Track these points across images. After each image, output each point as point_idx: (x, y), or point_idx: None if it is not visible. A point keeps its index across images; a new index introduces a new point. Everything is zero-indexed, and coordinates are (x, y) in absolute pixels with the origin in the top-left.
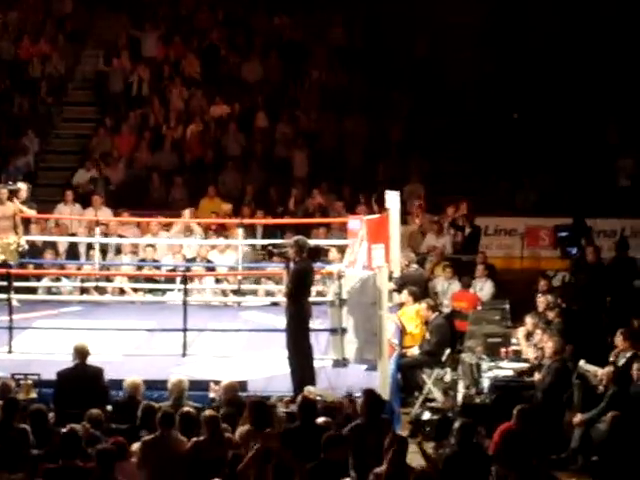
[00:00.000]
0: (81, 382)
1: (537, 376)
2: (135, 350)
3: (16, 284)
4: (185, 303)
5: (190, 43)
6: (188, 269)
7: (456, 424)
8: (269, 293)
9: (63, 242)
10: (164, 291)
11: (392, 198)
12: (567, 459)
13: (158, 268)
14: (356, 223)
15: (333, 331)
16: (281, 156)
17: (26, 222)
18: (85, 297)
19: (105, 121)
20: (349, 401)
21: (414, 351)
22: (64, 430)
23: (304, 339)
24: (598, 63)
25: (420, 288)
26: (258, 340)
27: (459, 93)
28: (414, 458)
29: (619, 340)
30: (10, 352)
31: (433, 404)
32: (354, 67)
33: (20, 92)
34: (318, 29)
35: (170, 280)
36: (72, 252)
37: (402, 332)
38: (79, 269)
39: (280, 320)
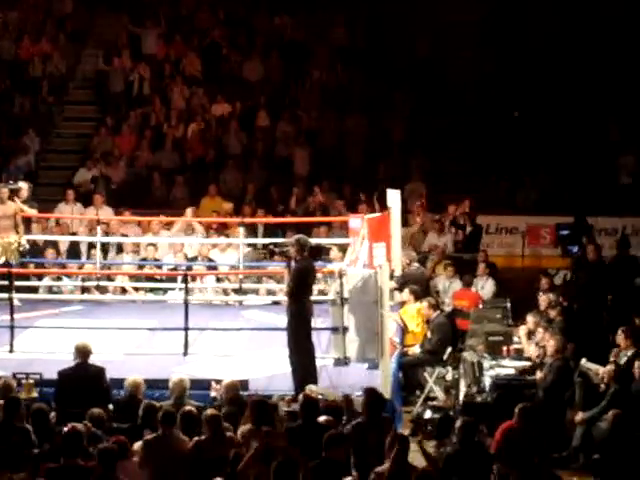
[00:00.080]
0: (82, 381)
1: (539, 374)
2: (136, 349)
3: (17, 283)
4: (186, 302)
5: (191, 42)
6: (189, 268)
7: (458, 423)
8: (270, 292)
9: (64, 241)
10: (165, 290)
11: (393, 197)
12: (568, 457)
13: (159, 267)
14: (357, 222)
15: (334, 330)
16: (282, 155)
17: (27, 221)
18: (86, 296)
19: (106, 120)
20: (346, 401)
21: (415, 350)
22: (65, 429)
23: (305, 338)
24: (598, 61)
25: (421, 287)
26: (259, 339)
27: (460, 92)
28: (415, 457)
29: (621, 338)
30: (11, 351)
31: (434, 403)
32: (355, 66)
33: (21, 92)
34: (320, 29)
35: (171, 279)
36: (73, 251)
37: (403, 331)
38: (80, 268)
39: (281, 319)
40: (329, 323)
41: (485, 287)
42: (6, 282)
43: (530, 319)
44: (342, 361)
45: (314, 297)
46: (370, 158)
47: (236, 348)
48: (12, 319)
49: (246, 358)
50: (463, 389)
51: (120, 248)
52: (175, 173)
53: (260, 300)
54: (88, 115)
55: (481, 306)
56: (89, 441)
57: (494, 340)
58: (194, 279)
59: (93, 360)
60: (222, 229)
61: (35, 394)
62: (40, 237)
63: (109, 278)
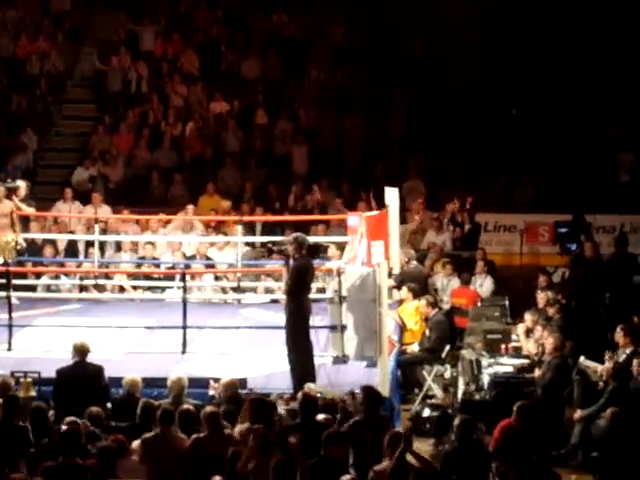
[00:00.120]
0: (81, 380)
1: (537, 372)
2: (135, 348)
3: (15, 282)
4: (184, 300)
5: (189, 40)
6: (187, 266)
7: (456, 421)
8: (269, 290)
9: (62, 240)
10: (163, 289)
11: (391, 195)
12: (567, 455)
13: (157, 266)
14: (355, 220)
15: (333, 328)
16: (280, 153)
17: (25, 220)
18: (84, 295)
19: (104, 119)
20: (352, 398)
21: (414, 348)
22: (64, 427)
23: (304, 336)
24: (598, 59)
25: (420, 285)
26: (258, 337)
27: (459, 91)
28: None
29: (619, 336)
30: (10, 350)
31: (433, 401)
32: (354, 65)
33: (18, 90)
34: (318, 27)
35: (169, 277)
36: (71, 250)
37: (402, 329)
38: (78, 267)
39: (280, 317)
40: (327, 321)
41: (483, 285)
42: (4, 281)
43: (528, 317)
44: (340, 359)
45: (312, 295)
46: (369, 156)
47: (234, 346)
48: (10, 317)
49: (244, 356)
50: (461, 387)
51: (118, 246)
52: (173, 172)
53: (258, 298)
54: (86, 114)
55: (479, 304)
56: (87, 440)
57: (492, 338)
58: (192, 277)
59: (91, 359)
60: (220, 227)
61: (33, 393)
62: (38, 236)
63: (107, 276)
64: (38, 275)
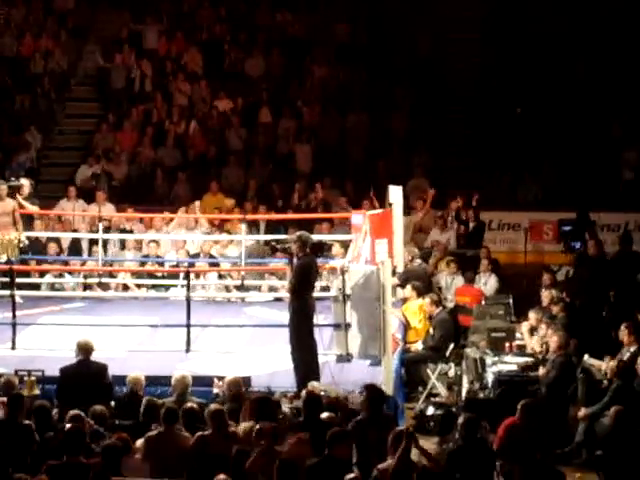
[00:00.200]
0: (84, 378)
1: (541, 370)
2: (138, 346)
3: (19, 280)
4: (188, 299)
5: (192, 38)
6: (191, 265)
7: (460, 419)
8: (272, 289)
9: (66, 238)
10: (167, 287)
11: (395, 193)
12: (571, 453)
13: (161, 264)
14: (359, 218)
15: (337, 326)
16: (284, 151)
17: (30, 218)
18: (88, 293)
19: (108, 117)
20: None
21: (418, 346)
22: (68, 426)
23: (308, 334)
24: (600, 57)
25: (424, 283)
26: (262, 336)
27: (462, 89)
28: (415, 454)
29: (624, 334)
30: (13, 348)
31: (437, 399)
32: (357, 63)
33: (22, 88)
34: (321, 25)
35: (173, 276)
36: (75, 248)
37: (406, 327)
38: (82, 265)
39: (284, 315)
40: (331, 320)
41: (488, 283)
42: (8, 279)
43: (532, 315)
44: (344, 358)
45: (316, 293)
46: (372, 155)
47: (238, 345)
48: (14, 316)
49: (248, 355)
50: (465, 385)
51: (123, 245)
52: (177, 170)
53: (262, 297)
54: (90, 112)
55: (483, 302)
56: (91, 438)
57: (497, 336)
58: (196, 276)
59: (95, 357)
60: (224, 226)
61: (37, 391)
62: (42, 234)
63: (111, 275)
64: (42, 273)
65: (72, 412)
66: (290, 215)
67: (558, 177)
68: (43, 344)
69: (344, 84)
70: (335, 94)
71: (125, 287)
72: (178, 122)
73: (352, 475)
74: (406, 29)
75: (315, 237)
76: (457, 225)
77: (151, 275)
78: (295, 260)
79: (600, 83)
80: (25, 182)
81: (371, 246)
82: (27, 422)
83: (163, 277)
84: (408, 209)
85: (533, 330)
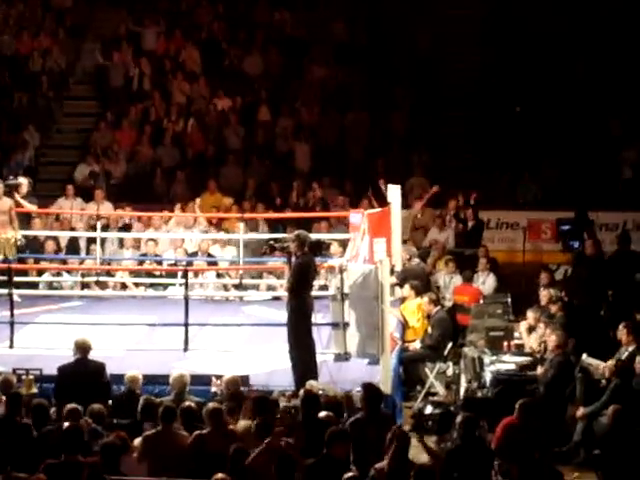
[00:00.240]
0: (82, 377)
1: (539, 370)
2: (136, 345)
3: (17, 279)
4: (186, 298)
5: (191, 37)
6: (190, 263)
7: (458, 418)
8: (271, 287)
9: (64, 237)
10: (165, 286)
11: (394, 192)
12: (569, 452)
13: (159, 263)
14: (357, 217)
15: (335, 325)
16: (282, 150)
17: (28, 217)
18: (86, 292)
19: (106, 115)
20: (347, 398)
21: (416, 345)
22: (66, 425)
23: (306, 333)
24: (599, 56)
25: (422, 282)
26: (260, 334)
27: (461, 87)
28: (417, 453)
29: (623, 334)
30: (11, 347)
31: (435, 398)
32: (356, 62)
33: (20, 87)
34: (320, 24)
35: (172, 275)
36: (72, 247)
37: (404, 326)
38: (81, 264)
39: (282, 314)
40: (330, 318)
41: (486, 282)
42: (5, 278)
43: (530, 314)
44: (343, 356)
45: (315, 292)
46: (371, 153)
47: (236, 344)
48: (12, 315)
49: (246, 354)
50: (464, 384)
51: (121, 243)
52: (175, 169)
53: (260, 296)
54: (88, 110)
55: (482, 301)
56: (89, 437)
57: (495, 335)
58: (195, 275)
59: (93, 356)
60: (222, 224)
61: (35, 390)
62: (40, 233)
63: (109, 274)
64: (40, 272)
65: (69, 406)
66: (288, 214)
67: (557, 176)
68: (41, 343)
69: (343, 83)
70: (334, 93)
71: (123, 286)
72: (176, 121)
73: (350, 474)
74: (405, 28)
75: (313, 236)
76: (455, 224)
77: (149, 274)
78: (293, 259)
79: (599, 82)
80: (23, 181)
81: (369, 245)
82: (25, 421)
83: (161, 276)
84: (407, 206)
85: (531, 329)
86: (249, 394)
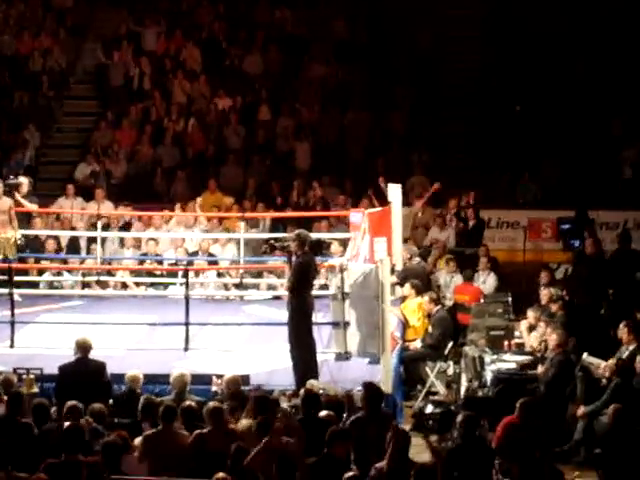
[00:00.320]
0: (83, 376)
1: (540, 369)
2: (137, 344)
3: (18, 278)
4: (187, 297)
5: (191, 36)
6: (190, 263)
7: (459, 417)
8: (271, 287)
9: (64, 236)
10: (166, 285)
11: (394, 191)
12: (570, 451)
13: (160, 262)
14: (358, 216)
15: (335, 324)
16: (283, 149)
17: (29, 216)
18: (87, 291)
19: (106, 115)
20: (347, 397)
21: (417, 344)
22: (67, 424)
23: (306, 333)
24: (599, 55)
25: (422, 281)
26: (260, 334)
27: (461, 86)
28: (418, 452)
29: (623, 332)
30: (12, 346)
31: (436, 397)
32: (356, 61)
33: (21, 86)
34: (320, 23)
35: (172, 274)
36: (73, 246)
37: (404, 325)
38: (81, 263)
39: (282, 314)
40: (330, 318)
41: (486, 281)
42: (6, 277)
43: (531, 314)
44: (343, 356)
45: (315, 292)
46: (371, 153)
47: (237, 343)
48: (12, 314)
49: (247, 353)
50: (464, 384)
51: (121, 243)
52: (176, 168)
53: (261, 295)
54: (88, 110)
55: (482, 300)
56: (90, 436)
57: (495, 334)
58: (195, 274)
59: (94, 355)
60: (223, 224)
61: (36, 389)
62: (40, 232)
63: (110, 273)
64: (40, 272)
65: (70, 403)
66: (289, 213)
67: (557, 175)
68: (42, 342)
69: (343, 82)
70: (334, 92)
71: (124, 285)
72: (177, 120)
73: (351, 473)
74: (406, 27)
75: (314, 235)
76: (456, 223)
77: (150, 273)
78: (294, 258)
79: (599, 81)
80: (24, 180)
81: (370, 244)
82: (26, 420)
83: (162, 275)
84: (408, 204)
85: (532, 328)
86: (252, 393)
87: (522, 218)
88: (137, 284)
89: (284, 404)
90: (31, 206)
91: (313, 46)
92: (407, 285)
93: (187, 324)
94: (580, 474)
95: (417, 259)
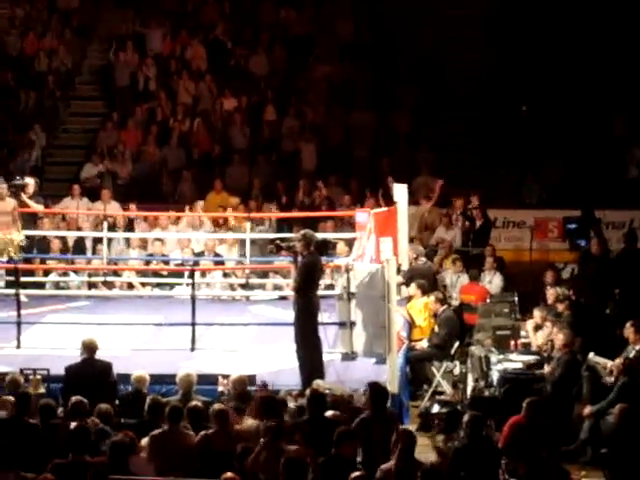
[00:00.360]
0: (89, 377)
1: (546, 369)
2: (143, 345)
3: (24, 279)
4: (193, 297)
5: (197, 36)
6: (196, 263)
7: (465, 417)
8: (277, 287)
9: (70, 237)
10: (172, 285)
11: (400, 191)
12: (577, 451)
13: (166, 262)
14: (364, 216)
15: (342, 324)
16: (288, 149)
17: (35, 217)
18: (93, 292)
19: (112, 115)
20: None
21: (423, 344)
22: (73, 425)
23: (313, 333)
24: (605, 54)
25: (428, 281)
26: (266, 334)
27: (466, 86)
28: (424, 452)
29: (630, 332)
30: (18, 347)
31: (442, 397)
32: (361, 61)
33: (27, 87)
34: (325, 24)
35: (178, 274)
36: (78, 247)
37: (411, 325)
38: (88, 264)
39: (288, 314)
40: (336, 318)
41: (493, 281)
42: (12, 278)
43: (537, 313)
44: (349, 356)
45: (321, 292)
46: (377, 153)
47: (243, 343)
48: (19, 315)
49: (253, 353)
50: (471, 383)
51: (128, 243)
52: (181, 168)
53: (267, 295)
54: (94, 110)
55: (489, 300)
56: (97, 437)
57: (502, 334)
58: (202, 274)
59: (100, 356)
60: (228, 224)
61: (42, 390)
62: (47, 233)
63: (116, 273)
64: (47, 272)
65: (75, 398)
66: (295, 213)
67: (563, 175)
68: (48, 343)
69: (348, 82)
70: (339, 92)
71: (130, 286)
72: (182, 121)
73: (357, 473)
74: (409, 28)
75: (320, 235)
76: (462, 223)
77: (156, 274)
78: (300, 258)
79: (604, 80)
80: (30, 181)
81: (376, 244)
82: (33, 421)
83: (168, 275)
84: (415, 202)
85: (538, 328)
86: (258, 392)
87: (528, 218)
88: (143, 284)
89: (290, 404)
90: (37, 207)
91: (318, 46)
92: (413, 285)
93: (193, 324)
94: (586, 474)
95: (423, 259)
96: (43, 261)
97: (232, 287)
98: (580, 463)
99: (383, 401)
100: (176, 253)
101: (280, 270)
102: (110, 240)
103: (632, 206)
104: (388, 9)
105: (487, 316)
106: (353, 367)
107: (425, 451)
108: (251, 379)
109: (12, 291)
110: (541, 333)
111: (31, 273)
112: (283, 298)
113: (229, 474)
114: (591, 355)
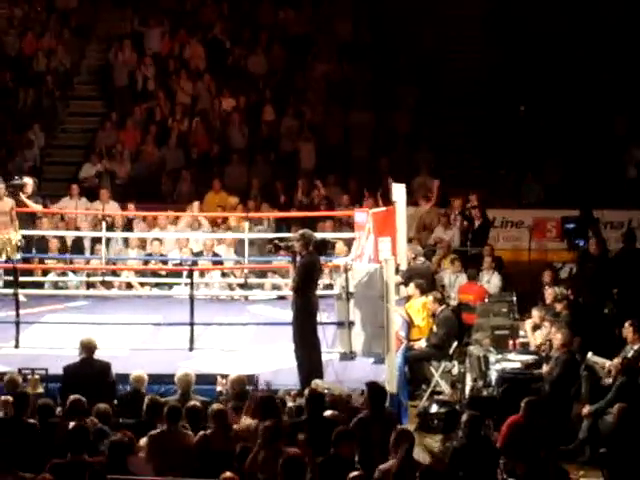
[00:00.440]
0: (87, 377)
1: (545, 368)
2: (142, 344)
3: (22, 279)
4: (192, 297)
5: (195, 36)
6: (195, 263)
7: (464, 417)
8: (276, 287)
9: (69, 237)
10: (171, 285)
11: (398, 191)
12: (575, 451)
13: (165, 262)
14: (362, 216)
15: (340, 324)
16: (287, 149)
17: (34, 217)
18: (92, 292)
19: (111, 115)
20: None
21: (421, 344)
22: (72, 425)
23: (311, 332)
24: (605, 54)
25: (427, 281)
26: (265, 334)
27: (466, 86)
28: (420, 452)
29: (629, 332)
30: (17, 347)
31: (441, 397)
32: (360, 61)
33: (25, 87)
34: (324, 23)
35: (177, 274)
36: (77, 247)
37: (409, 325)
38: (86, 264)
39: (287, 314)
40: (335, 318)
41: (491, 281)
42: (11, 278)
43: (535, 313)
44: (348, 356)
45: (320, 292)
46: (375, 152)
47: (242, 343)
48: (17, 315)
49: (252, 353)
50: (469, 383)
51: (126, 243)
52: (180, 168)
53: (266, 295)
54: (93, 110)
55: (487, 300)
56: (95, 437)
57: (500, 334)
58: (200, 274)
59: (99, 355)
60: (227, 224)
61: (41, 389)
62: (45, 232)
63: (114, 273)
64: (45, 272)
65: (73, 397)
66: (293, 213)
67: (562, 175)
68: (46, 342)
69: (347, 82)
70: (338, 92)
71: (128, 285)
72: (181, 120)
73: (356, 473)
74: (409, 28)
75: (318, 235)
76: (461, 222)
77: (154, 273)
78: (298, 258)
79: (604, 81)
80: (28, 180)
81: (374, 244)
82: (31, 421)
83: (166, 275)
84: (414, 203)
85: (537, 328)
86: (259, 392)
87: (527, 218)
88: (142, 284)
89: (289, 404)
90: (36, 206)
91: (317, 46)
92: (411, 285)
93: (192, 324)
94: (585, 473)
95: (422, 259)
96: (42, 261)
97: (231, 287)
98: (578, 463)
99: (382, 401)
100: (175, 253)
101: (279, 270)
102: (109, 240)
103: (631, 206)
104: (388, 9)
105: (485, 316)
106: (352, 367)
107: (423, 451)
108: (250, 379)
109: (11, 291)
110: (539, 333)
111: (30, 273)
112: (282, 298)
113: (228, 474)
114: (589, 355)
